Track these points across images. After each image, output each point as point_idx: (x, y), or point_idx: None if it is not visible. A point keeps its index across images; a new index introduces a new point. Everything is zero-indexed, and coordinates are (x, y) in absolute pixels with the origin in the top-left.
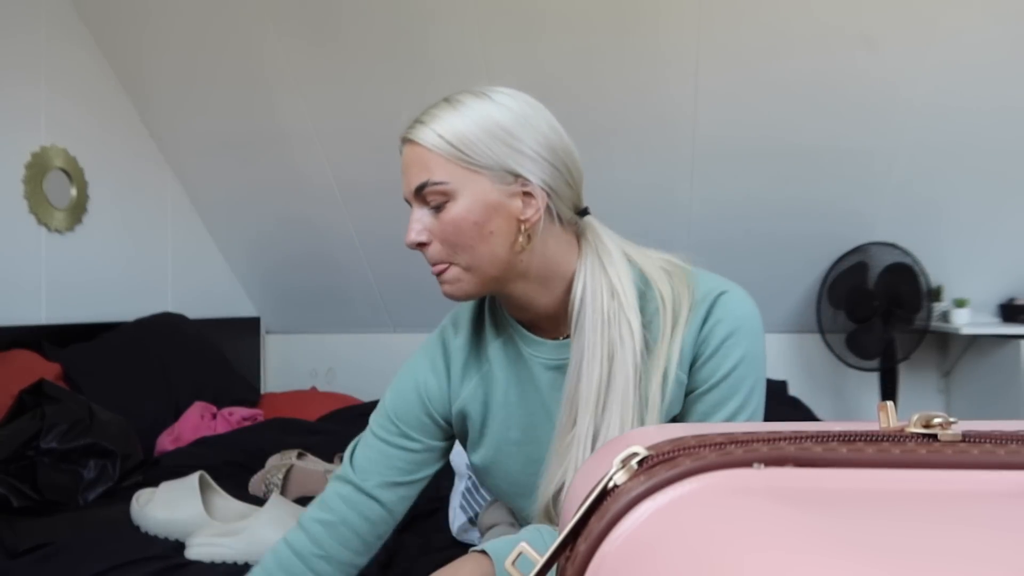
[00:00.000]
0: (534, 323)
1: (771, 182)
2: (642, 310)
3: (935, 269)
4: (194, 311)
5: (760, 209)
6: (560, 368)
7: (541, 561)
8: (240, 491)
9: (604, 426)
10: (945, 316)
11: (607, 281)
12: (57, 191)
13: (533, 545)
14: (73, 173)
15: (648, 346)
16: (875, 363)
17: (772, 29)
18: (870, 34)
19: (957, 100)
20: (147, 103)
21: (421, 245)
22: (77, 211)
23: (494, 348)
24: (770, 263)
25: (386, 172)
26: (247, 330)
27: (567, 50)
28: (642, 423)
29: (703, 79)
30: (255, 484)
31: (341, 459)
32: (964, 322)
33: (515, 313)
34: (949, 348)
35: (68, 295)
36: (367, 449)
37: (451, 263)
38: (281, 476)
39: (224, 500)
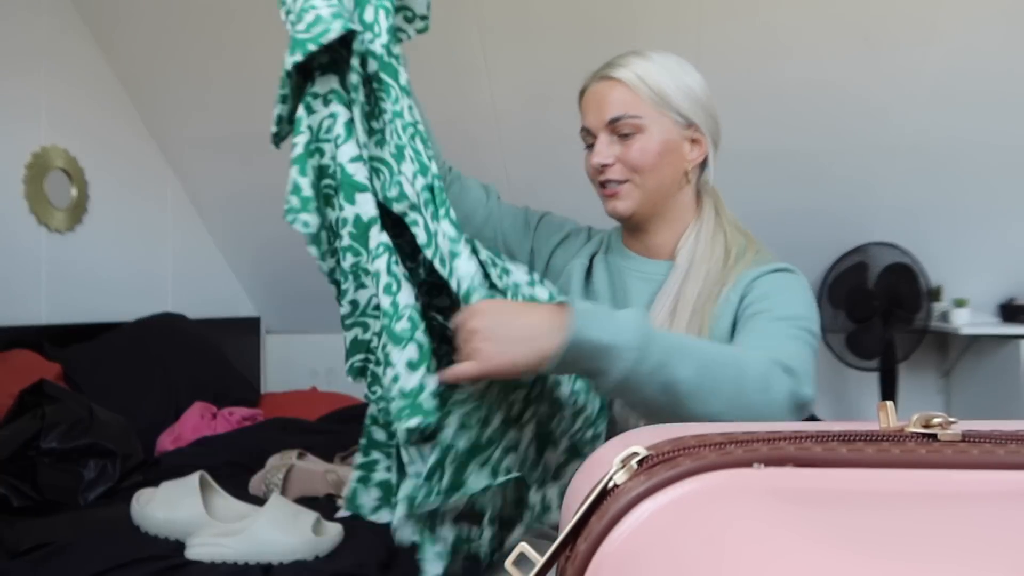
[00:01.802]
0: (639, 251)
1: (771, 182)
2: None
3: (935, 269)
4: (194, 311)
5: (760, 209)
6: (648, 281)
7: (541, 561)
8: (240, 491)
9: (697, 316)
10: (945, 316)
11: (720, 224)
12: (57, 191)
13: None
14: (73, 173)
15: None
16: (875, 363)
17: (771, 30)
18: (869, 35)
19: (957, 100)
20: (148, 103)
21: (605, 166)
22: (77, 211)
23: (598, 258)
24: None
25: None
26: (247, 330)
27: (567, 50)
28: (701, 329)
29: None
30: (255, 484)
31: (342, 459)
32: (964, 322)
33: (630, 237)
34: (949, 348)
35: (68, 295)
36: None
37: (628, 181)
38: (281, 476)
39: (224, 500)
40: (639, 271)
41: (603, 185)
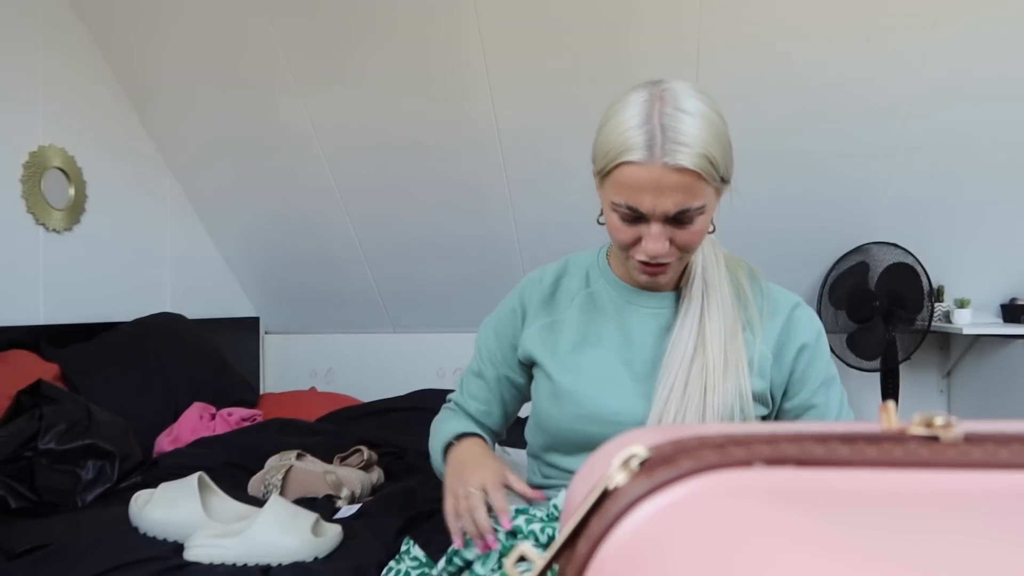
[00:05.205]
0: (642, 284)
1: (772, 182)
2: None
3: (936, 269)
4: (193, 311)
5: (761, 209)
6: (652, 316)
7: (541, 562)
8: (239, 492)
9: (731, 352)
10: (947, 316)
11: (713, 246)
12: (55, 191)
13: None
14: (71, 173)
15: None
16: (876, 363)
17: (771, 30)
18: (870, 35)
19: (958, 99)
20: (146, 102)
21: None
22: (75, 211)
23: (580, 298)
24: (771, 263)
25: (386, 172)
26: (246, 330)
27: (567, 50)
28: (738, 361)
29: (703, 80)
30: (254, 485)
31: (341, 460)
32: (966, 322)
33: (633, 279)
34: (951, 348)
35: (66, 295)
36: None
37: (676, 260)
38: (280, 477)
39: (223, 501)
40: (643, 306)
41: (646, 262)
